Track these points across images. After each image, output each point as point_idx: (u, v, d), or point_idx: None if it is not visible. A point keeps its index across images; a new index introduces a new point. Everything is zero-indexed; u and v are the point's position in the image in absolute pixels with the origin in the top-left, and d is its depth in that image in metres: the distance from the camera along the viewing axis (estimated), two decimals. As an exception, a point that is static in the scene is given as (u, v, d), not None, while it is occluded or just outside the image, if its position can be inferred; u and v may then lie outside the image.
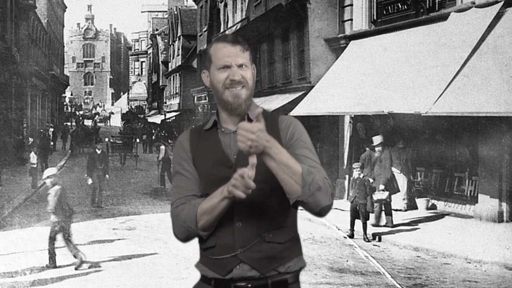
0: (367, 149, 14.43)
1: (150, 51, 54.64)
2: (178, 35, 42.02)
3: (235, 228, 2.30)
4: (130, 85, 59.62)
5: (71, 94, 65.44)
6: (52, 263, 9.33)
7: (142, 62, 57.57)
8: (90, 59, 71.49)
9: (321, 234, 12.10)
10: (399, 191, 13.65)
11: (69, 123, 45.49)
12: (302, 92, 18.47)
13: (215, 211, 2.23)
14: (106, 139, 29.65)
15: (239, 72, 2.34)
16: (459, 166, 14.06)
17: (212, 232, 2.33)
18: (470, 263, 9.99)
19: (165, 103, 45.63)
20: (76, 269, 9.25)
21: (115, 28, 75.31)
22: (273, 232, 2.31)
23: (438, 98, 12.59)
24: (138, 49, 58.15)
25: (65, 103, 55.50)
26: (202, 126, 2.49)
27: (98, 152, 16.70)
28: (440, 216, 13.74)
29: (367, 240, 11.73)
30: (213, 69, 2.38)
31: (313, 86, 17.90)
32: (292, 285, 2.34)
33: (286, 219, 2.34)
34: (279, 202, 2.30)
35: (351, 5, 17.65)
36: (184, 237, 2.35)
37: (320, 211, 2.22)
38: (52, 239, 9.36)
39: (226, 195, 2.18)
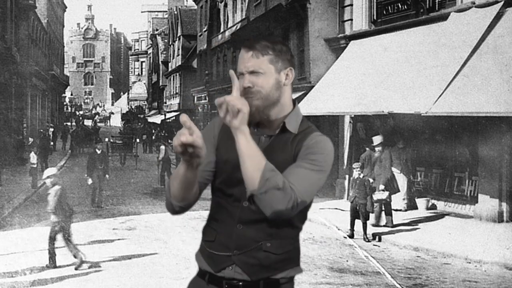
0: (367, 149, 14.43)
1: (150, 51, 54.64)
2: (178, 35, 42.02)
3: (235, 230, 2.30)
4: (130, 85, 59.62)
5: (71, 94, 65.42)
6: (52, 263, 9.33)
7: (142, 62, 57.56)
8: (90, 59, 71.49)
9: (321, 234, 12.10)
10: (399, 191, 13.65)
11: (69, 123, 45.48)
12: (302, 92, 18.47)
13: (177, 177, 2.21)
14: (106, 139, 29.64)
15: (248, 79, 2.28)
16: (459, 166, 14.06)
17: (214, 227, 2.36)
18: (470, 263, 9.99)
19: (165, 103, 45.63)
20: (76, 269, 9.24)
21: (115, 28, 75.31)
22: (271, 241, 2.29)
23: (438, 98, 12.59)
24: (138, 49, 58.15)
25: (65, 103, 55.49)
26: None
27: (98, 152, 16.70)
28: (440, 216, 13.74)
29: (367, 240, 11.73)
30: None
31: (313, 86, 17.90)
32: (284, 285, 2.34)
33: (288, 231, 2.32)
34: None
35: (351, 5, 17.65)
36: (167, 207, 2.36)
37: (272, 215, 2.14)
38: (52, 239, 9.36)
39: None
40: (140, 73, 57.50)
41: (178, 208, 2.31)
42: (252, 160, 2.12)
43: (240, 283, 2.29)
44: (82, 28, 71.10)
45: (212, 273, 2.34)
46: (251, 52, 2.30)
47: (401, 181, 14.22)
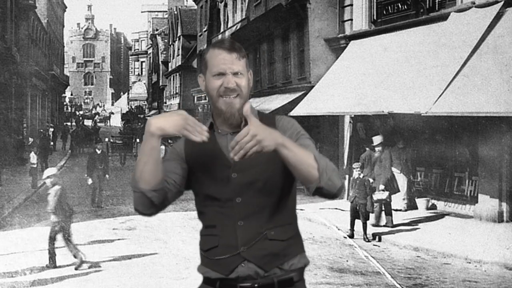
0: (367, 149, 14.42)
1: (150, 51, 54.67)
2: (178, 35, 42.03)
3: (237, 227, 2.31)
4: (130, 85, 59.67)
5: (71, 94, 65.47)
6: (52, 263, 9.33)
7: (142, 62, 57.60)
8: (90, 59, 71.54)
9: (321, 234, 12.10)
10: (399, 191, 13.65)
11: (69, 123, 45.51)
12: (302, 92, 18.47)
13: (149, 155, 2.19)
14: (106, 139, 29.66)
15: (233, 80, 2.33)
16: (459, 166, 14.06)
17: (214, 233, 2.35)
18: (470, 263, 9.99)
19: (165, 103, 45.65)
20: (76, 269, 9.25)
21: (115, 28, 75.39)
22: (274, 229, 2.32)
23: (438, 98, 12.59)
24: (138, 49, 58.19)
25: (65, 103, 55.52)
26: None
27: (98, 152, 16.70)
28: (440, 216, 13.74)
29: (367, 240, 11.73)
30: (208, 75, 2.38)
31: (313, 86, 17.90)
32: (297, 283, 2.36)
33: (287, 217, 2.37)
34: (279, 200, 2.33)
35: (351, 5, 17.65)
36: (136, 202, 2.27)
37: (337, 193, 2.25)
38: (52, 239, 9.36)
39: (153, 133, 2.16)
40: (140, 73, 57.53)
41: (151, 194, 2.24)
42: (304, 157, 2.16)
43: (256, 285, 2.30)
44: (82, 28, 71.16)
45: (223, 278, 2.33)
46: (235, 54, 2.36)
47: (401, 181, 14.22)
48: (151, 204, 2.27)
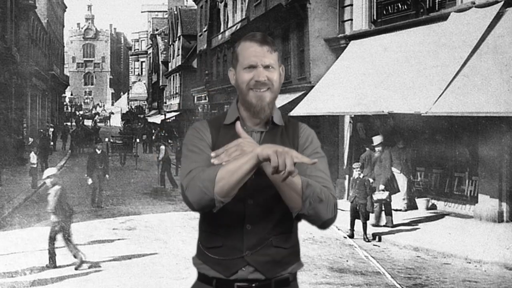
0: (367, 149, 14.43)
1: (150, 51, 54.65)
2: (178, 35, 42.03)
3: (244, 231, 2.28)
4: (130, 85, 59.64)
5: (71, 94, 65.44)
6: (52, 263, 9.33)
7: (142, 62, 57.57)
8: (90, 59, 71.49)
9: (321, 234, 12.09)
10: (399, 191, 13.65)
11: (69, 123, 45.52)
12: (302, 92, 18.47)
13: (239, 172, 2.09)
14: (106, 139, 29.67)
15: (264, 73, 2.30)
16: (459, 166, 14.06)
17: (219, 232, 2.30)
18: (470, 263, 9.99)
19: (165, 103, 45.64)
20: (76, 269, 9.25)
21: (115, 28, 75.33)
22: (279, 236, 2.31)
23: (438, 98, 12.59)
24: (138, 49, 58.15)
25: (65, 103, 55.51)
26: (219, 119, 2.42)
27: (98, 152, 16.70)
28: (440, 216, 13.74)
29: (367, 240, 11.73)
30: (239, 68, 2.35)
31: (313, 86, 17.90)
32: (292, 283, 2.37)
33: (290, 225, 2.34)
34: (286, 207, 2.27)
35: (351, 5, 17.65)
36: (196, 200, 2.15)
37: (323, 224, 2.22)
38: (52, 239, 9.36)
39: (260, 156, 2.05)
40: (140, 73, 57.51)
41: (219, 203, 2.14)
42: (289, 182, 2.11)
43: (254, 285, 2.28)
44: (82, 28, 71.10)
45: (220, 277, 2.30)
46: (266, 47, 2.33)
47: (401, 181, 14.22)
48: (212, 208, 2.19)
